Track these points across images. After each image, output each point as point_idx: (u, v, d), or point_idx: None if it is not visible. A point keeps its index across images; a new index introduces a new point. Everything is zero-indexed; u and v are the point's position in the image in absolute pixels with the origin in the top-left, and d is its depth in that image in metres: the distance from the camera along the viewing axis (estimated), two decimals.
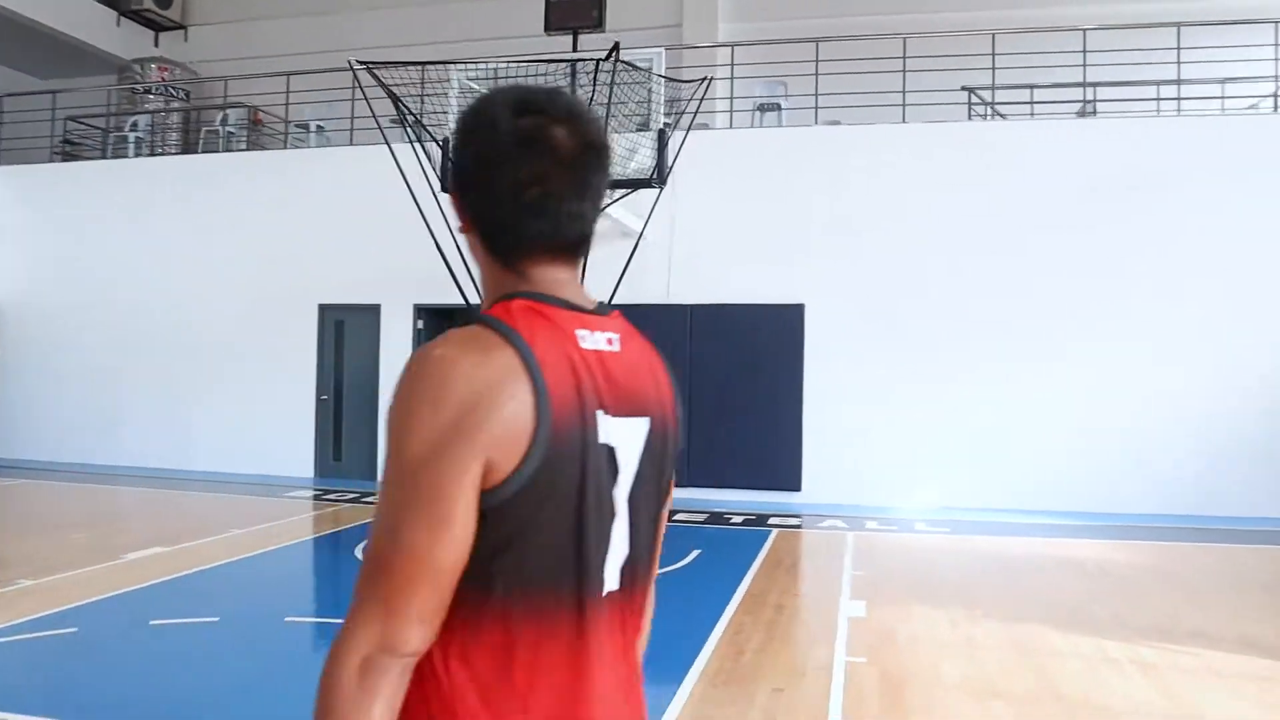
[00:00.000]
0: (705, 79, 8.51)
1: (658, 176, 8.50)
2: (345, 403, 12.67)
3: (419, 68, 8.53)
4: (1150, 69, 11.23)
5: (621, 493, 1.24)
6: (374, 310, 12.56)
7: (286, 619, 5.93)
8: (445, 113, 9.01)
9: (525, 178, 1.22)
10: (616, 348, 1.27)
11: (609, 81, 7.39)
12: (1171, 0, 12.07)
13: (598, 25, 9.35)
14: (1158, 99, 11.88)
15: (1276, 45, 10.69)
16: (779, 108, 12.28)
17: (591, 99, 7.52)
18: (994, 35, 11.16)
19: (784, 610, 6.39)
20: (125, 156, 14.43)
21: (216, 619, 5.85)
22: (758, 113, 12.59)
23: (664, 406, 1.33)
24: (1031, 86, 12.06)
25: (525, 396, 1.14)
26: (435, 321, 12.86)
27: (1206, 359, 10.36)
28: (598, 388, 1.21)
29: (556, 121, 1.23)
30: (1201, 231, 10.47)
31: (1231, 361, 10.35)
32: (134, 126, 14.37)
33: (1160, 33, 11.04)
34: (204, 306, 13.02)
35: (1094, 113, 11.85)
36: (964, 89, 12.27)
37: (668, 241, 11.43)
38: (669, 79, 8.55)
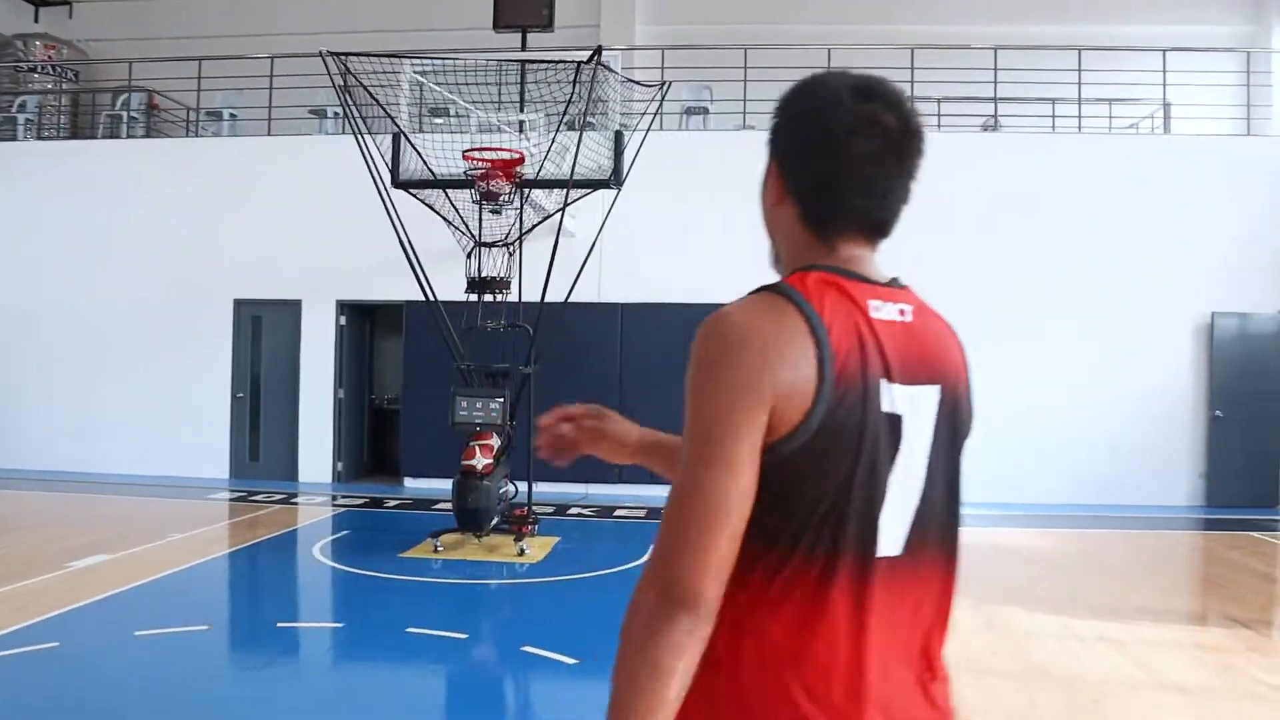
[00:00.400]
0: (665, 83, 8.68)
1: (615, 178, 8.60)
2: (263, 401, 12.25)
3: (378, 60, 8.30)
4: (1053, 88, 12.05)
5: (908, 459, 1.28)
6: (294, 306, 12.18)
7: (278, 624, 5.78)
8: (396, 104, 8.82)
9: (861, 156, 1.31)
10: (909, 319, 1.34)
11: (589, 82, 7.44)
12: (1075, 25, 12.96)
13: (548, 25, 9.38)
14: (1052, 116, 12.76)
15: (1164, 71, 11.61)
16: (706, 111, 12.55)
17: (569, 100, 7.57)
18: (912, 50, 11.71)
19: None
20: (13, 140, 13.51)
21: (207, 627, 5.67)
22: (684, 116, 12.83)
23: (956, 376, 1.40)
24: (939, 99, 12.73)
25: (810, 357, 1.21)
26: (359, 318, 12.60)
27: (1106, 361, 11.19)
28: (884, 356, 1.27)
29: (889, 106, 1.33)
30: (1100, 240, 11.31)
31: (1127, 363, 11.21)
32: (21, 107, 13.46)
33: (1064, 55, 11.83)
34: (107, 301, 12.34)
35: (996, 127, 12.61)
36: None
37: (599, 240, 11.53)
38: (637, 83, 8.66)
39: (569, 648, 5.35)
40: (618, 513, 10.39)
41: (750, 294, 1.30)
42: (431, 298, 8.61)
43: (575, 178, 8.35)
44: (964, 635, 5.74)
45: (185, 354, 12.24)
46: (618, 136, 8.66)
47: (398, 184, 8.85)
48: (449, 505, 10.50)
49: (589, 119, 8.32)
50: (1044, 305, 11.31)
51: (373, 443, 13.20)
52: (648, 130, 8.70)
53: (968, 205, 11.40)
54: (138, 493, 10.92)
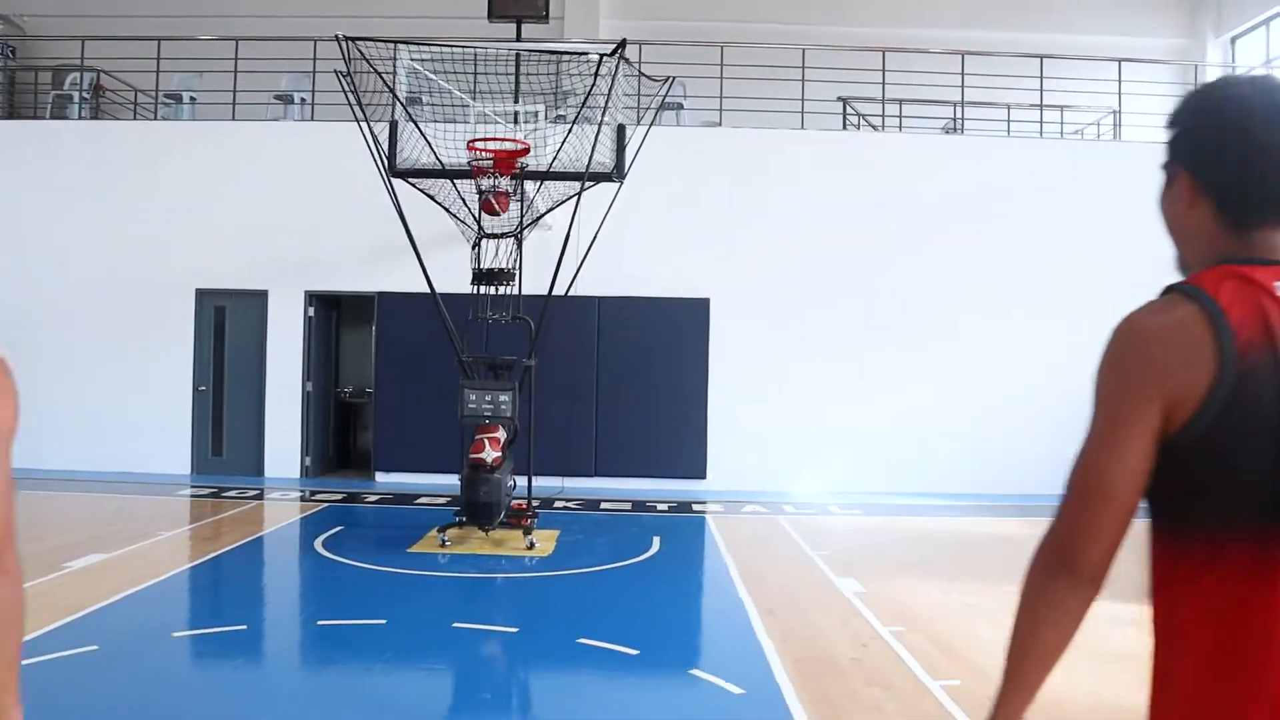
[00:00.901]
0: (669, 78, 8.71)
1: (617, 172, 8.62)
2: (227, 394, 11.88)
3: (380, 45, 8.13)
4: (1010, 94, 12.50)
5: None
6: (260, 296, 11.84)
7: (319, 622, 5.66)
8: (389, 93, 8.63)
9: (1275, 144, 1.38)
10: None
11: (611, 75, 7.45)
12: (1028, 33, 13.46)
13: (543, 16, 9.33)
14: (1007, 120, 13.24)
15: (1119, 80, 12.16)
16: (681, 107, 12.62)
17: (589, 92, 7.55)
18: (884, 53, 12.00)
19: (790, 590, 6.76)
20: None
21: (243, 626, 5.52)
22: (659, 111, 12.86)
23: None
24: (900, 101, 13.07)
25: (1206, 347, 1.29)
26: (324, 309, 12.31)
27: (1069, 355, 11.63)
28: None
29: None
30: (1056, 239, 11.78)
31: (1078, 356, 11.70)
32: None
33: (1027, 62, 12.27)
34: (60, 292, 11.79)
35: (955, 130, 13.02)
36: (839, 99, 13.15)
37: (575, 234, 11.52)
38: (649, 76, 8.67)
39: (625, 639, 5.38)
40: (603, 506, 10.41)
41: (1158, 295, 1.40)
42: (432, 289, 8.44)
43: (576, 171, 8.34)
44: (997, 618, 5.96)
45: (145, 346, 11.78)
46: (620, 130, 8.67)
47: (396, 173, 8.68)
48: (431, 500, 10.43)
49: (591, 112, 8.32)
50: (1002, 304, 11.73)
51: (338, 437, 12.93)
52: (650, 124, 8.74)
53: (930, 203, 11.76)
54: (102, 490, 10.49)
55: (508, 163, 8.20)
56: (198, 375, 11.85)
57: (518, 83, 9.10)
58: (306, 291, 11.88)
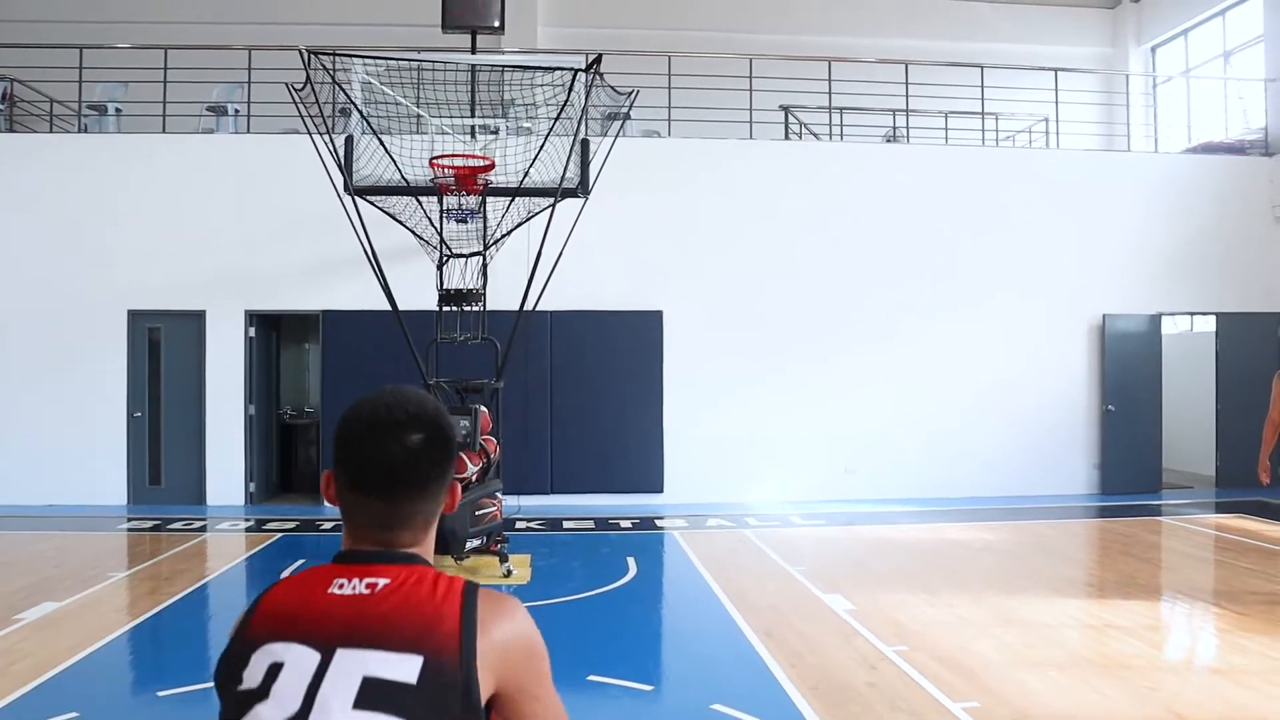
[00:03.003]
0: (634, 90, 8.60)
1: (583, 187, 8.47)
2: (164, 420, 11.34)
3: (339, 57, 7.83)
4: (949, 103, 12.75)
5: None
6: (197, 317, 11.34)
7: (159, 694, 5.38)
8: (342, 107, 8.34)
9: None
10: None
11: (585, 89, 7.30)
12: (967, 42, 13.74)
13: (498, 27, 9.13)
14: (945, 129, 13.49)
15: (1055, 89, 12.49)
16: (629, 118, 12.49)
17: (563, 106, 7.38)
18: (829, 63, 12.09)
19: (781, 611, 6.72)
20: None
21: None
22: (602, 122, 12.74)
23: None
24: (842, 110, 13.22)
25: None
26: (264, 328, 11.85)
27: (1010, 362, 11.95)
28: None
29: None
30: (999, 248, 12.06)
31: (1030, 363, 12.01)
32: None
33: (962, 71, 12.53)
34: None
35: (897, 138, 13.22)
36: (781, 108, 13.23)
37: (528, 250, 11.34)
38: (615, 89, 8.53)
39: (635, 673, 5.28)
40: (566, 525, 10.26)
41: None
42: (396, 310, 8.17)
43: (535, 186, 8.19)
44: (994, 630, 6.05)
45: (72, 371, 11.18)
46: (584, 145, 8.52)
47: (354, 190, 8.37)
48: None
49: (560, 126, 8.16)
50: (949, 310, 11.95)
51: (279, 460, 12.48)
52: (616, 138, 8.61)
53: (875, 211, 11.92)
54: (33, 526, 9.88)
55: (471, 179, 7.99)
56: (132, 400, 11.28)
57: (474, 96, 8.89)
58: (247, 311, 11.41)
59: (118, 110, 11.88)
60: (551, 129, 7.72)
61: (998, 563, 8.29)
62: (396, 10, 13.75)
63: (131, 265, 11.27)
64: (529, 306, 8.55)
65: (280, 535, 9.52)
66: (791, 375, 11.80)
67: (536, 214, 8.32)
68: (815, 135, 13.36)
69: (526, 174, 7.79)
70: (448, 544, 7.62)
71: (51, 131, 12.49)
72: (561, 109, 7.52)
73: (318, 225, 11.34)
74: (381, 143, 7.76)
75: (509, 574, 7.64)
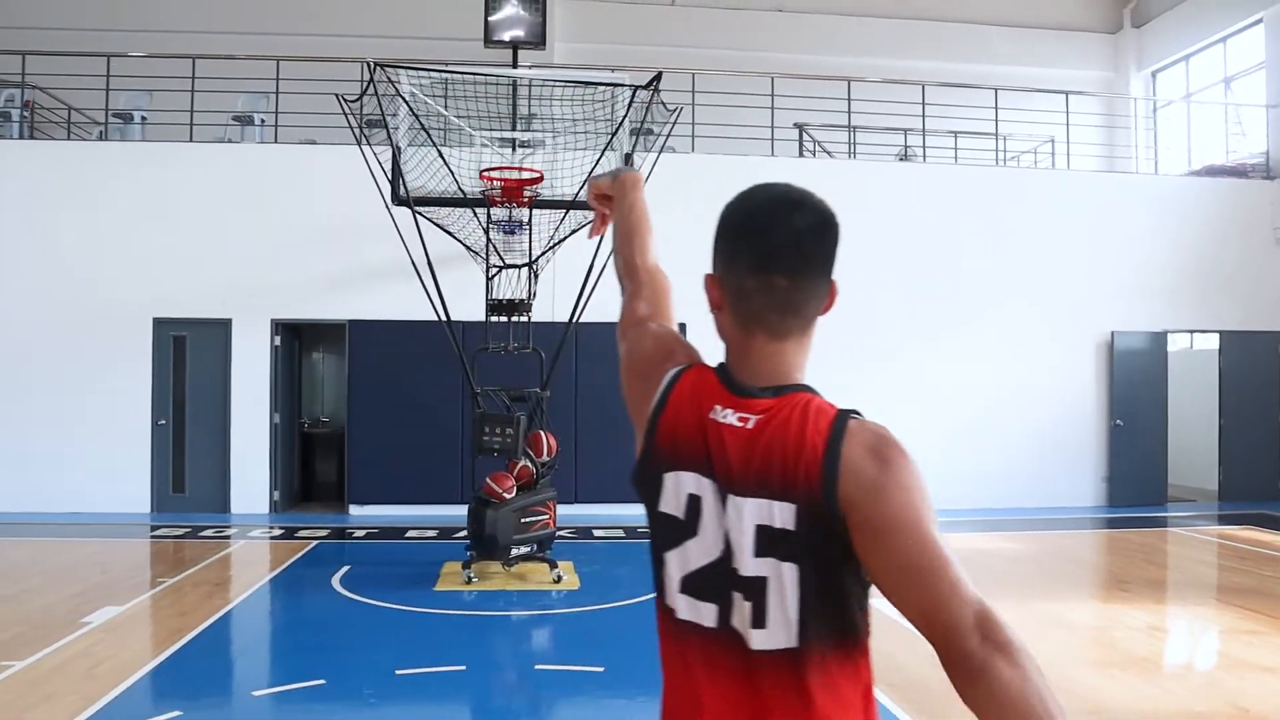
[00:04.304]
0: (678, 108, 8.79)
1: None
2: (189, 428, 11.34)
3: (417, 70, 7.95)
4: (965, 122, 13.07)
5: None
6: (223, 325, 11.36)
7: (397, 671, 5.49)
8: (395, 117, 8.46)
9: None
10: None
11: (645, 105, 7.48)
12: (985, 65, 14.09)
13: (540, 43, 9.31)
14: (955, 148, 13.82)
15: (1066, 112, 12.84)
16: (651, 132, 12.69)
17: (621, 122, 7.55)
18: (849, 83, 12.37)
19: None
20: None
21: (323, 681, 5.31)
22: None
23: None
24: (854, 128, 13.49)
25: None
26: (288, 337, 11.90)
27: (1023, 378, 12.22)
28: None
29: None
30: (1014, 266, 12.35)
31: (1042, 379, 12.29)
32: None
33: (975, 92, 12.85)
34: (1, 320, 11.09)
35: (911, 157, 13.51)
36: (795, 126, 13.50)
37: (552, 260, 11.49)
38: (665, 105, 8.70)
39: None
40: (596, 533, 10.38)
41: None
42: (448, 319, 8.27)
43: (579, 199, 8.35)
44: (1041, 631, 6.24)
45: (96, 379, 11.16)
46: (628, 160, 8.70)
47: (399, 201, 8.49)
48: (420, 533, 10.18)
49: (611, 140, 8.34)
50: (960, 326, 12.22)
51: (301, 470, 12.51)
52: (659, 153, 8.79)
53: (885, 230, 12.17)
54: (62, 534, 9.85)
55: (519, 191, 8.13)
56: (156, 409, 11.27)
57: (514, 110, 9.04)
58: (273, 320, 11.46)
59: (143, 119, 11.91)
60: (609, 144, 7.88)
61: (1030, 570, 8.50)
62: (422, 23, 13.92)
63: (157, 273, 11.28)
64: (578, 318, 8.71)
65: (315, 543, 9.56)
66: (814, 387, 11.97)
67: (582, 226, 8.47)
68: (829, 153, 13.63)
69: (582, 187, 7.94)
70: (490, 549, 7.74)
71: (69, 139, 12.48)
72: (620, 124, 7.70)
73: (344, 235, 11.45)
74: (440, 154, 7.88)
75: (559, 580, 7.75)
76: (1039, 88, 13.19)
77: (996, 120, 12.67)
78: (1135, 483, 12.32)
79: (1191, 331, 13.20)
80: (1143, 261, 12.55)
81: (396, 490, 11.37)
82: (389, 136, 7.89)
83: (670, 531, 1.43)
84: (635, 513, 11.40)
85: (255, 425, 11.37)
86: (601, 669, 5.63)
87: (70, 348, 11.12)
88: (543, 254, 8.44)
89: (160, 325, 11.32)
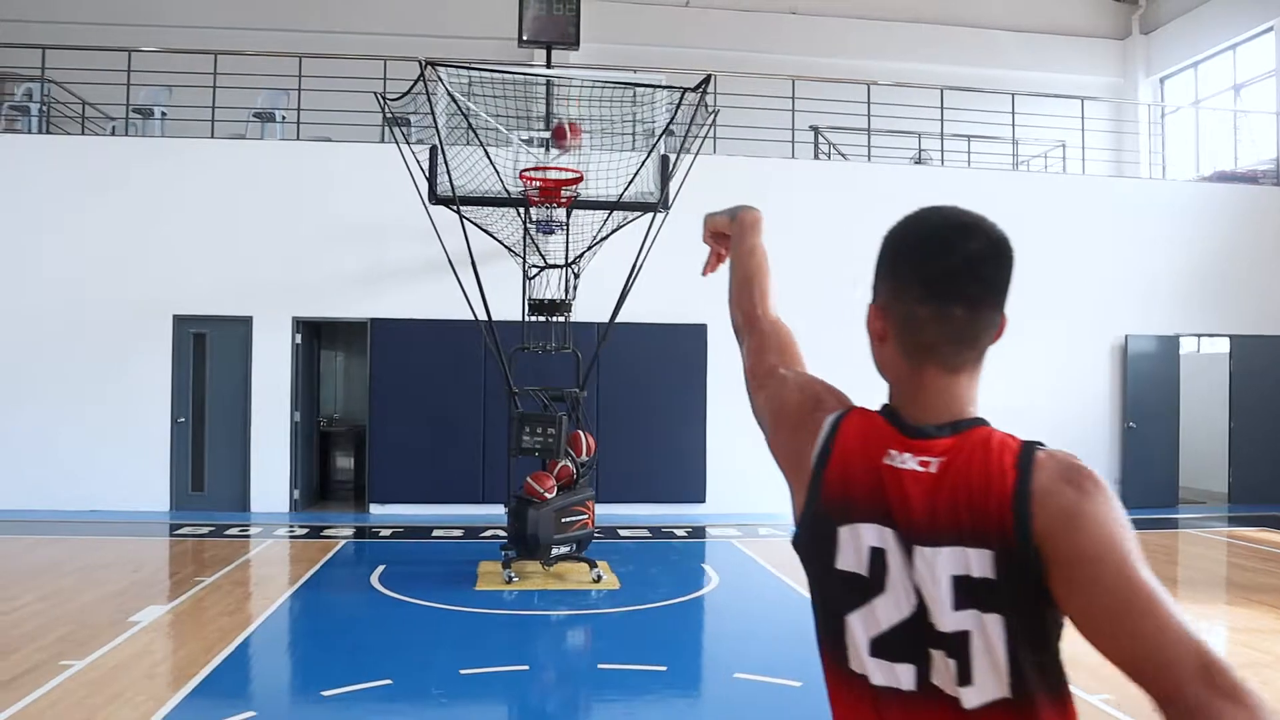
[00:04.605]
0: (715, 110, 8.81)
1: (662, 202, 8.66)
2: (208, 426, 11.27)
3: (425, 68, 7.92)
4: (977, 126, 13.17)
5: None
6: (244, 323, 11.30)
7: (461, 671, 5.49)
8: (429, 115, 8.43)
9: None
10: None
11: (695, 106, 7.50)
12: (997, 69, 14.19)
13: (574, 43, 9.30)
14: (968, 152, 13.91)
15: (1082, 117, 12.96)
16: (673, 133, 12.71)
17: (669, 124, 7.57)
18: (869, 86, 12.45)
19: None
20: None
21: (390, 680, 5.30)
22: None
23: None
24: (869, 131, 13.56)
25: None
26: (307, 335, 11.85)
27: (1039, 380, 12.32)
28: None
29: None
30: (1030, 264, 12.40)
31: (1057, 382, 12.40)
32: None
33: (988, 96, 12.96)
34: (21, 318, 10.98)
35: (927, 160, 13.60)
36: (811, 128, 13.55)
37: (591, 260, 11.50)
38: (709, 108, 8.71)
39: (782, 670, 5.44)
40: (622, 533, 10.39)
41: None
42: (490, 319, 8.26)
43: (627, 202, 8.38)
44: None
45: (115, 376, 11.07)
46: (664, 161, 8.73)
47: (437, 200, 8.48)
48: (446, 533, 10.16)
49: (646, 141, 8.36)
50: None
51: (320, 468, 12.47)
52: (695, 154, 8.80)
53: None
54: (83, 532, 9.77)
55: (557, 191, 8.14)
56: (176, 406, 11.20)
57: (549, 110, 9.04)
58: (294, 318, 11.41)
59: (162, 114, 11.83)
60: (654, 145, 7.90)
61: None
62: (445, 21, 13.91)
63: (178, 270, 11.21)
64: (615, 318, 8.72)
65: (343, 542, 9.53)
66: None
67: (622, 226, 8.50)
68: (843, 155, 13.69)
69: (627, 187, 7.97)
70: (529, 549, 7.75)
71: (87, 134, 12.38)
72: (667, 126, 7.72)
73: (367, 233, 11.42)
74: (487, 154, 7.87)
75: (599, 579, 7.77)
76: (1051, 93, 13.29)
77: (1013, 125, 12.77)
78: (1147, 484, 12.44)
79: (1201, 335, 13.34)
80: (1155, 266, 12.69)
81: (417, 489, 11.35)
82: (438, 134, 7.83)
83: (852, 591, 1.32)
84: (653, 513, 11.48)
85: (276, 423, 11.31)
86: (664, 668, 5.65)
87: (89, 344, 11.03)
88: (581, 255, 8.44)
89: (180, 322, 11.24)
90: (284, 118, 12.04)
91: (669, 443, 11.78)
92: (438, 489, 11.37)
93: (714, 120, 8.71)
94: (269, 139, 11.98)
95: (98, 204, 11.16)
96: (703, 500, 11.80)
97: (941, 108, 12.55)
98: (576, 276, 8.38)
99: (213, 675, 5.30)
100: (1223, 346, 13.17)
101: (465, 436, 11.40)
